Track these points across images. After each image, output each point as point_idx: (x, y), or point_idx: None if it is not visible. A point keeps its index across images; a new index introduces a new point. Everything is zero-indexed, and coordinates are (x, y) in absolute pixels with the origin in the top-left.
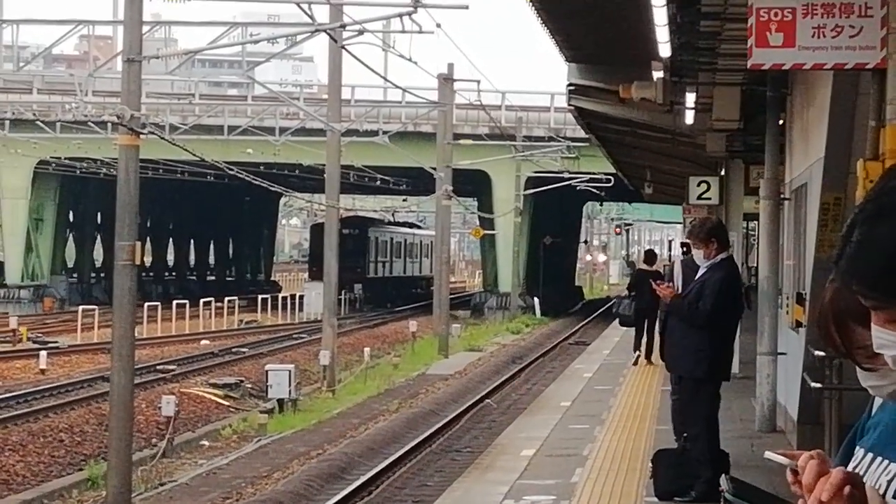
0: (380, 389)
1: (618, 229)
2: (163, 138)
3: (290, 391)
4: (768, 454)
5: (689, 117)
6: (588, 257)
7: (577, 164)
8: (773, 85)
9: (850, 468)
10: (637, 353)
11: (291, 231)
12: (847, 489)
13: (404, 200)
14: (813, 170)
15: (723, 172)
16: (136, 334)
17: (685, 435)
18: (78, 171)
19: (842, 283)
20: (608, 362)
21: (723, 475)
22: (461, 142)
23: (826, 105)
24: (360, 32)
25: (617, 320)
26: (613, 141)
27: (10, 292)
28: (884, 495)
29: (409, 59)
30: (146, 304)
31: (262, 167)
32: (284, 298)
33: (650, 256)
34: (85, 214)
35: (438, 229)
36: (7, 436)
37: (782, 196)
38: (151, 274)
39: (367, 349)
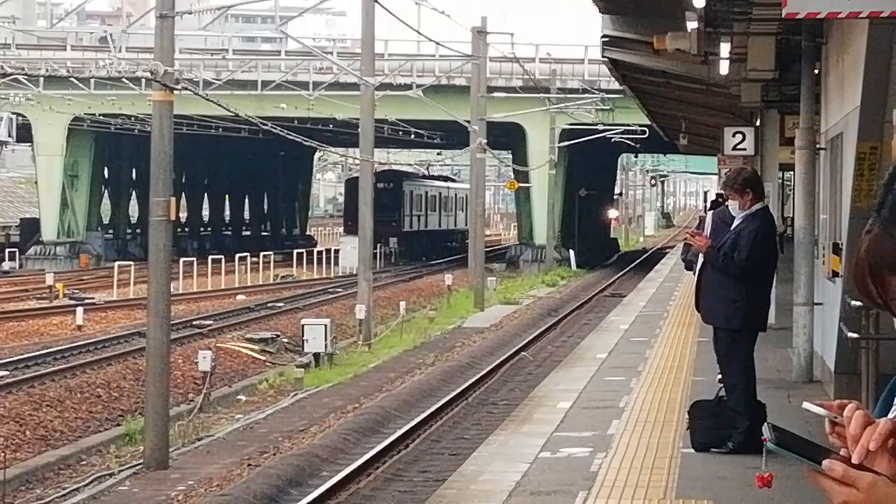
0: (415, 343)
1: (653, 181)
2: (197, 94)
3: (326, 345)
4: (806, 405)
5: (724, 68)
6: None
7: (612, 115)
8: (809, 34)
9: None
10: None
11: (326, 185)
12: (892, 441)
13: (438, 154)
14: (849, 119)
15: (758, 123)
16: (171, 290)
17: (721, 385)
18: (112, 128)
19: (883, 231)
20: (644, 314)
21: (765, 423)
22: (495, 95)
23: (862, 54)
24: None
25: (682, 266)
26: (648, 92)
27: (47, 249)
28: None
29: (443, 12)
30: (182, 260)
31: (296, 122)
32: (320, 253)
33: (717, 203)
34: (120, 171)
35: (473, 182)
36: (44, 392)
37: (818, 146)
38: (187, 229)
39: (402, 303)
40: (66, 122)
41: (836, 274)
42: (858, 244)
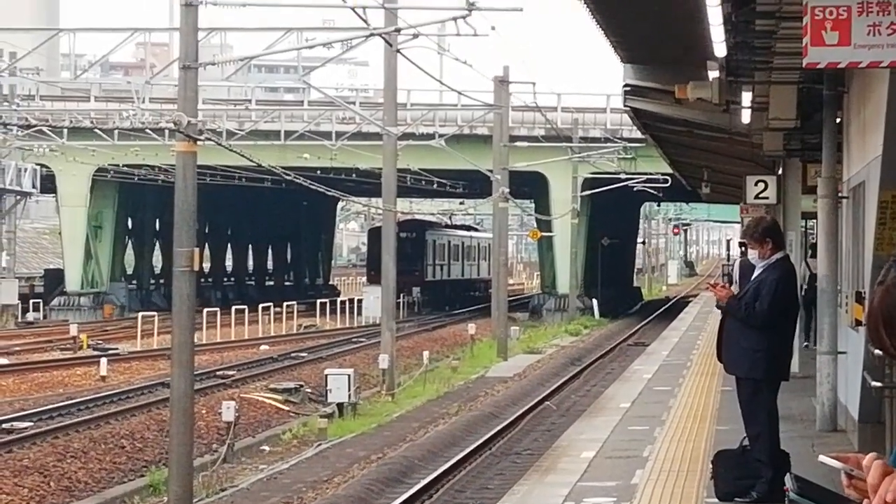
0: (439, 393)
1: (676, 229)
2: (220, 144)
3: (349, 395)
4: (822, 458)
5: (746, 116)
6: None
7: (634, 164)
8: (830, 83)
9: None
10: None
11: (349, 235)
12: None
13: (461, 203)
14: (871, 168)
15: (780, 171)
16: (195, 340)
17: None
18: (136, 178)
19: None
20: (668, 363)
21: (788, 474)
22: (517, 144)
23: (883, 102)
24: (415, 36)
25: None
26: (670, 141)
27: (71, 300)
28: None
29: (465, 62)
30: (205, 310)
31: (318, 172)
32: (343, 303)
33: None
34: (143, 221)
35: (496, 231)
36: (69, 443)
37: (840, 194)
38: (210, 280)
39: (425, 352)
40: (90, 173)
41: (859, 323)
42: (872, 295)
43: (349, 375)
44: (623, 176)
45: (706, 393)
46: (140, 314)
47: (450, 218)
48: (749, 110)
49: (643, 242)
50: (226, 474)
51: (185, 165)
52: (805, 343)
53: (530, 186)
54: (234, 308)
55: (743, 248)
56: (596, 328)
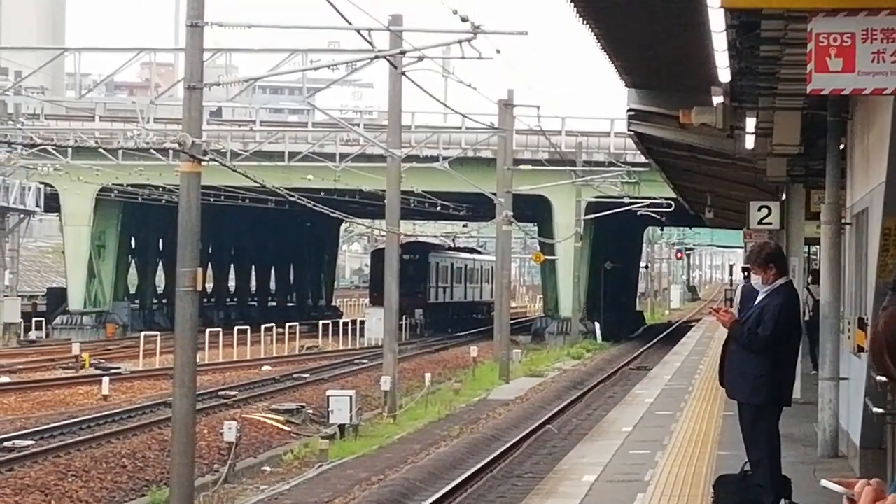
0: (441, 415)
1: (679, 254)
2: (224, 165)
3: (351, 417)
4: (824, 482)
5: (750, 142)
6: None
7: (638, 188)
8: (834, 109)
9: None
10: None
11: (352, 257)
12: None
13: (464, 226)
14: (874, 194)
15: (784, 197)
16: (197, 360)
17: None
18: (140, 198)
19: None
20: (670, 387)
21: (783, 501)
22: (521, 167)
23: (887, 129)
24: (420, 59)
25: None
26: (673, 166)
27: (73, 318)
28: None
29: (469, 85)
30: (208, 331)
31: (322, 193)
32: (345, 324)
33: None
34: (147, 241)
35: (499, 254)
36: (70, 462)
37: (843, 221)
38: (213, 300)
39: (428, 374)
40: (94, 193)
41: (861, 349)
42: (875, 320)
43: (351, 397)
44: (626, 200)
45: (708, 418)
46: (142, 334)
47: (453, 240)
48: (753, 136)
49: (646, 267)
50: (227, 494)
51: (189, 185)
52: (814, 372)
53: (534, 210)
54: (236, 328)
55: (746, 273)
56: (598, 352)
